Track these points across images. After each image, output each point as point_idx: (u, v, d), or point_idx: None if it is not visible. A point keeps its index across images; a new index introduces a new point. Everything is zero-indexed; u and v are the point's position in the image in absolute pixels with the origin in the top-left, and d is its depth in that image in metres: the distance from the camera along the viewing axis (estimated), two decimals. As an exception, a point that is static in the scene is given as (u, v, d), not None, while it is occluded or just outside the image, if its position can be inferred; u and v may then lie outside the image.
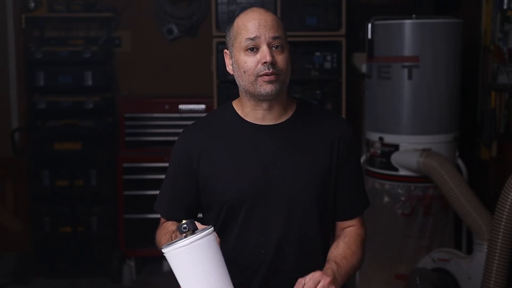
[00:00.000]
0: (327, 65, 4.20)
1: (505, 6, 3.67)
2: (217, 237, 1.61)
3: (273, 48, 1.78)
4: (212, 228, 1.58)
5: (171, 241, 1.74)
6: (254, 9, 1.83)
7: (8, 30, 4.63)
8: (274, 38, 1.78)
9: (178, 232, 1.66)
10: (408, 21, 3.60)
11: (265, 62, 1.76)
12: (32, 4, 4.59)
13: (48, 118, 4.60)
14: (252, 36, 1.77)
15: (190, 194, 1.88)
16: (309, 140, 1.86)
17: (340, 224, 1.93)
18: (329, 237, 1.94)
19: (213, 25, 4.17)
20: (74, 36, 4.77)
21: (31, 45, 4.60)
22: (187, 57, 4.84)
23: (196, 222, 1.61)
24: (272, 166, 1.82)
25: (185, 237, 1.55)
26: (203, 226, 1.63)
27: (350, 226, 1.92)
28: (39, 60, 4.51)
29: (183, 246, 1.53)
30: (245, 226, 1.83)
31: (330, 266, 1.76)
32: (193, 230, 1.56)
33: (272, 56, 1.77)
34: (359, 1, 4.54)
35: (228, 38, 1.85)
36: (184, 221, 1.57)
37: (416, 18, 3.61)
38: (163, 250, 1.57)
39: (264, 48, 1.77)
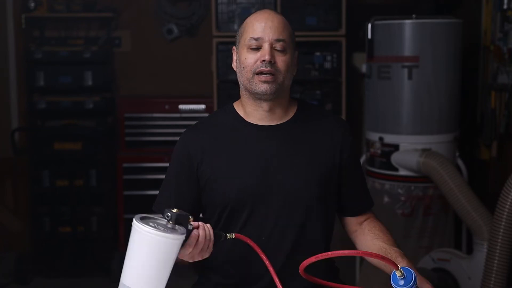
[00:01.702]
0: (327, 65, 4.19)
1: (505, 6, 3.67)
2: (192, 245, 1.58)
3: (275, 49, 1.81)
4: (184, 236, 1.54)
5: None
6: (265, 10, 1.87)
7: (8, 30, 4.62)
8: (277, 40, 1.81)
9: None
10: (408, 21, 3.60)
11: (263, 60, 1.78)
12: (32, 4, 4.58)
13: (48, 118, 4.60)
14: (256, 36, 1.81)
15: (192, 194, 1.88)
16: (310, 140, 1.87)
17: (354, 220, 1.95)
18: (330, 237, 1.94)
19: (213, 25, 4.16)
20: (74, 36, 4.76)
21: (31, 45, 4.59)
22: (187, 57, 4.83)
23: (190, 217, 1.57)
24: (273, 166, 1.82)
25: (159, 224, 1.53)
26: (195, 223, 1.59)
27: (367, 219, 1.95)
28: (39, 60, 4.50)
29: (146, 232, 1.50)
30: (247, 226, 1.83)
31: (399, 253, 1.81)
32: (174, 223, 1.53)
33: (272, 55, 1.79)
34: (359, 1, 4.54)
35: (237, 35, 1.90)
36: (175, 210, 1.54)
37: (416, 18, 3.61)
38: (134, 219, 1.53)
39: (265, 47, 1.80)
